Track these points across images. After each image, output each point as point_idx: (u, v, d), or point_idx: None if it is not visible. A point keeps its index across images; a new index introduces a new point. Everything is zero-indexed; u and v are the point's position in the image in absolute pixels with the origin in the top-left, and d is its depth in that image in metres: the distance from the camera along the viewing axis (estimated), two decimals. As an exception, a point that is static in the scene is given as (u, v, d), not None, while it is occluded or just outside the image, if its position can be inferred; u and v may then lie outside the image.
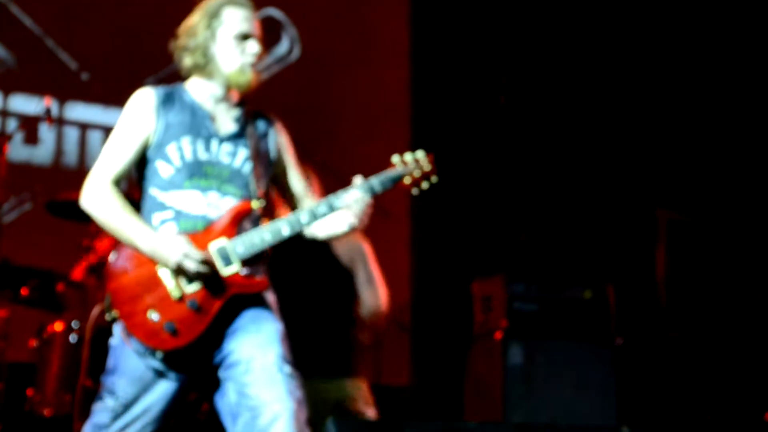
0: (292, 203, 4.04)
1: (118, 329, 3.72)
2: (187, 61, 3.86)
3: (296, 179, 4.05)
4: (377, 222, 7.25)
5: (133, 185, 3.88)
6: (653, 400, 7.37)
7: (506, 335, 6.73)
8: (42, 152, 8.21)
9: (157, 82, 7.82)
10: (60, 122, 8.22)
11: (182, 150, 3.75)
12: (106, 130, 8.30)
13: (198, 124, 3.80)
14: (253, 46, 3.83)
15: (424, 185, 3.88)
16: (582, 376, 6.73)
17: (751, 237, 8.48)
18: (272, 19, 8.92)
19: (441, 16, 9.60)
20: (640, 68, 9.31)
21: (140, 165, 3.81)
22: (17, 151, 8.02)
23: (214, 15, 3.83)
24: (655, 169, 9.14)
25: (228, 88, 3.85)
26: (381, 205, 6.80)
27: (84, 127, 8.40)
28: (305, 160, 6.35)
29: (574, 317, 6.92)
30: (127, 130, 3.77)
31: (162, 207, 3.73)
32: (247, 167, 3.82)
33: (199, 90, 3.87)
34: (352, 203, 3.79)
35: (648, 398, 7.40)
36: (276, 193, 4.06)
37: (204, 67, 3.84)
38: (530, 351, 6.74)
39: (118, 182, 3.75)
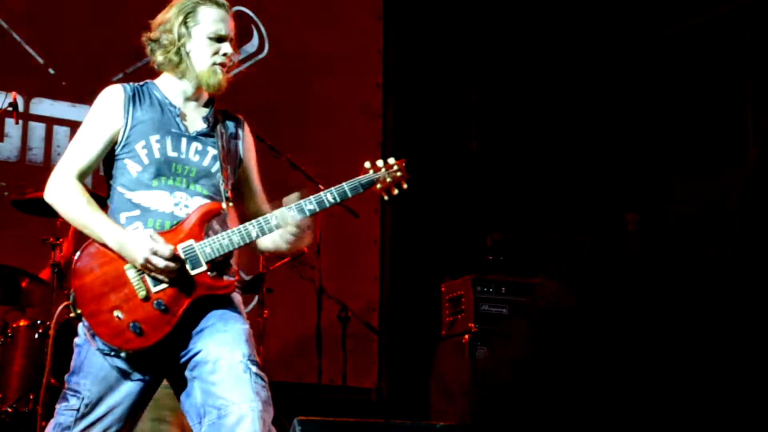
0: (250, 206, 3.99)
1: (82, 328, 3.68)
2: (159, 56, 3.83)
3: (257, 182, 4.03)
4: (347, 223, 7.28)
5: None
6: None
7: (474, 337, 6.73)
8: (7, 148, 8.13)
9: (125, 78, 7.77)
10: (26, 118, 8.13)
11: (151, 147, 3.72)
12: (73, 126, 8.24)
13: (167, 122, 3.77)
14: (227, 48, 3.81)
15: (395, 191, 3.86)
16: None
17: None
18: (242, 15, 8.87)
19: (414, 16, 9.60)
20: (609, 71, 9.34)
21: (108, 162, 3.77)
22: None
23: (190, 12, 3.80)
24: (625, 172, 9.17)
25: (198, 86, 3.83)
26: (350, 207, 6.82)
27: (50, 122, 8.32)
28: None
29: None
30: (94, 126, 3.73)
31: (129, 205, 3.69)
32: (216, 166, 3.79)
33: (168, 87, 3.84)
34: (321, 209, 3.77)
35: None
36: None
37: (176, 65, 3.81)
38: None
39: (83, 177, 3.71)
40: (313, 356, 7.16)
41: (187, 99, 3.85)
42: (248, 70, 8.47)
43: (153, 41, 3.84)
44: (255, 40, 9.05)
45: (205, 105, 3.89)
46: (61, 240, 6.35)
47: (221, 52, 3.80)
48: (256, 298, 7.25)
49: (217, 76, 3.79)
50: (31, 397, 6.08)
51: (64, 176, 3.68)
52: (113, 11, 8.40)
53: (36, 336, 6.24)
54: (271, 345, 7.09)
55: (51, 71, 8.33)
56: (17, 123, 6.78)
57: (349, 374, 7.71)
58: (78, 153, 3.72)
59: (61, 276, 6.23)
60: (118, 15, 8.25)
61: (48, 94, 8.29)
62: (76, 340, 3.71)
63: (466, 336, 6.74)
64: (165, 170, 3.70)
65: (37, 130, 8.26)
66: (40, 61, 8.31)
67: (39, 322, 6.30)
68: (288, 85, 9.02)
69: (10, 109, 6.46)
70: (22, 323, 6.34)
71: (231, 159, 3.86)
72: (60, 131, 8.30)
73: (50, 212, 5.40)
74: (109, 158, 3.76)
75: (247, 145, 3.99)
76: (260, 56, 9.05)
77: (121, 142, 3.73)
